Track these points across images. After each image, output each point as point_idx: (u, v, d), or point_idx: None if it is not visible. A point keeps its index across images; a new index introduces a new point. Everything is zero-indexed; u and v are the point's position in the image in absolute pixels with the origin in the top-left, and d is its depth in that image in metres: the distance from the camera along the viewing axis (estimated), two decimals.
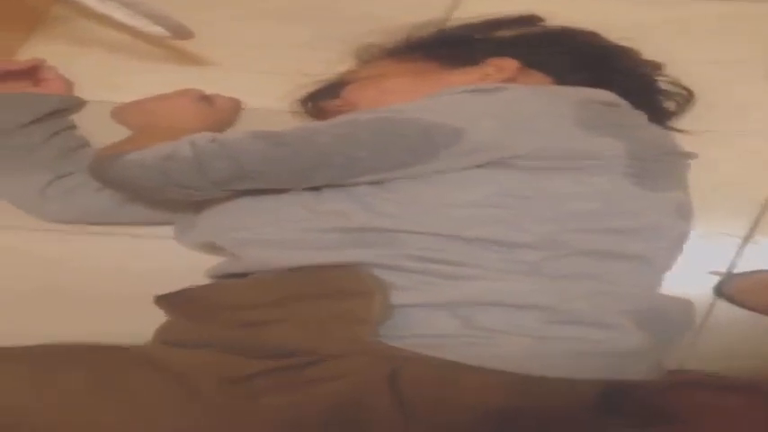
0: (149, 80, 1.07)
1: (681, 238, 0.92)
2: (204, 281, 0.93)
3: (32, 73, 1.06)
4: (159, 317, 0.90)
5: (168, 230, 1.03)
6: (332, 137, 0.83)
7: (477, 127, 0.82)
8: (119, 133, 1.00)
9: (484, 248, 0.81)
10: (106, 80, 1.10)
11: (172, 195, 0.88)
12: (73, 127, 1.07)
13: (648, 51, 1.03)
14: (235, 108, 1.08)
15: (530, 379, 0.75)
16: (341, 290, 0.81)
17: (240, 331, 0.82)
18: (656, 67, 1.04)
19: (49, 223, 1.04)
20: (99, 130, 1.06)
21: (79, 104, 1.09)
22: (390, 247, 0.81)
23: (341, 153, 0.83)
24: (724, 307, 0.97)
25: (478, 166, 0.82)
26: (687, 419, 0.80)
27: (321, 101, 1.06)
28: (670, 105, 1.03)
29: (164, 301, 0.91)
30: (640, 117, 0.93)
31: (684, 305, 0.90)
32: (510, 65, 0.96)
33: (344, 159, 0.83)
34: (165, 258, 1.03)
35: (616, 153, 0.84)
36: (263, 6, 1.14)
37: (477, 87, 0.89)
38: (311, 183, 0.86)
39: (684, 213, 0.92)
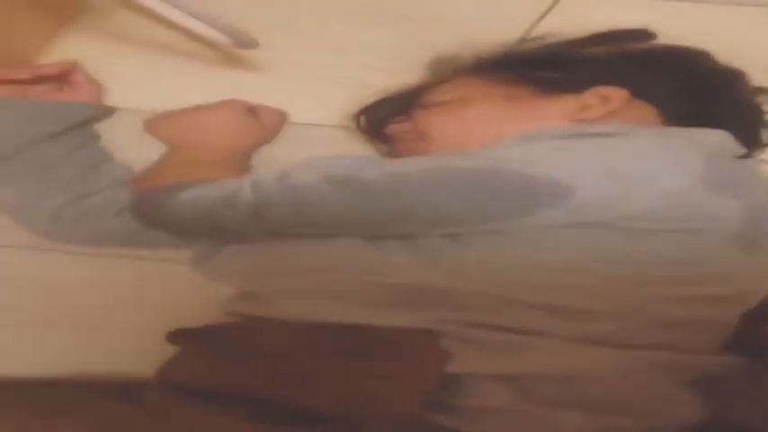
0: (189, 86, 0.96)
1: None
2: (218, 316, 0.84)
3: (61, 76, 0.95)
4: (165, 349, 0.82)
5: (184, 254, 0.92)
6: (423, 188, 0.74)
7: (587, 185, 0.72)
8: (148, 145, 0.93)
9: (558, 317, 0.73)
10: (142, 84, 0.98)
11: (214, 237, 0.83)
12: (96, 137, 0.96)
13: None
14: (281, 122, 0.97)
15: None
16: (391, 353, 0.73)
17: (270, 383, 0.74)
18: (765, 92, 0.93)
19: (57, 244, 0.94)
20: (127, 141, 0.96)
21: (107, 113, 0.97)
22: (453, 309, 0.74)
23: (430, 206, 0.74)
24: None
25: (575, 227, 0.73)
26: None
27: (383, 119, 0.94)
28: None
29: (178, 336, 0.82)
30: (754, 166, 0.86)
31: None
32: (618, 95, 0.84)
33: (432, 213, 0.74)
34: (176, 287, 0.93)
35: (731, 215, 0.75)
36: (329, 5, 1.01)
37: (586, 131, 0.79)
38: (383, 233, 0.77)
39: None
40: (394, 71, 0.95)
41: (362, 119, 0.96)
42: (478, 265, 0.75)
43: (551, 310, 0.73)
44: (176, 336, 0.82)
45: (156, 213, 0.83)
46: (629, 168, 0.74)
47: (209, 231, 0.82)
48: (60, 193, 0.91)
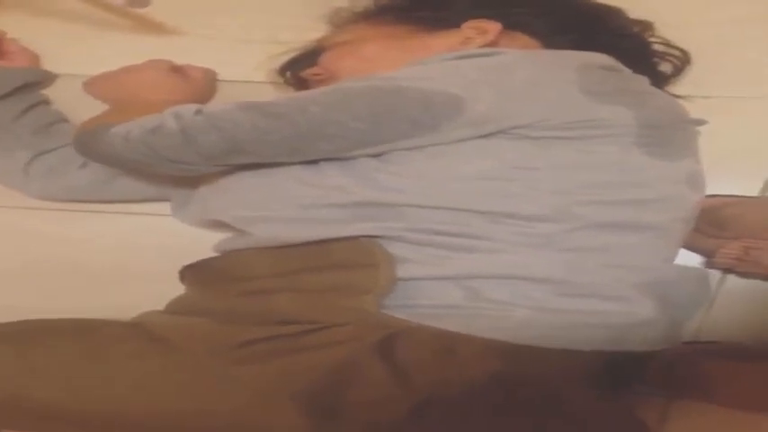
0: (116, 51, 1.03)
1: (694, 209, 0.88)
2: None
3: None
4: (166, 292, 0.91)
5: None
6: (324, 106, 0.79)
7: (475, 95, 0.78)
8: (95, 107, 0.97)
9: (494, 221, 0.78)
10: (70, 52, 1.06)
11: (164, 170, 0.84)
12: (46, 102, 1.05)
13: (637, 12, 0.98)
14: (210, 79, 1.05)
15: (530, 349, 0.75)
16: (346, 262, 0.79)
17: (243, 300, 0.82)
18: (646, 27, 0.99)
19: (55, 203, 1.03)
20: (75, 104, 1.03)
21: (49, 78, 1.06)
22: (396, 220, 0.79)
23: (335, 123, 0.79)
24: (735, 278, 0.96)
25: (481, 137, 0.79)
26: (707, 387, 0.83)
27: (299, 70, 1.02)
28: (666, 68, 0.99)
29: (183, 272, 0.92)
30: (644, 82, 0.89)
31: (699, 276, 0.88)
32: (492, 27, 0.91)
33: (339, 130, 0.79)
34: (174, 234, 1.02)
35: (624, 121, 0.81)
36: None
37: (469, 52, 0.85)
38: (307, 156, 0.82)
39: (696, 183, 0.88)
40: (300, 28, 1.02)
41: (286, 73, 1.04)
42: (405, 179, 0.80)
43: (489, 215, 0.78)
44: (183, 272, 0.92)
45: (94, 146, 0.85)
46: (506, 79, 0.80)
47: (150, 160, 0.82)
48: (21, 149, 0.99)
